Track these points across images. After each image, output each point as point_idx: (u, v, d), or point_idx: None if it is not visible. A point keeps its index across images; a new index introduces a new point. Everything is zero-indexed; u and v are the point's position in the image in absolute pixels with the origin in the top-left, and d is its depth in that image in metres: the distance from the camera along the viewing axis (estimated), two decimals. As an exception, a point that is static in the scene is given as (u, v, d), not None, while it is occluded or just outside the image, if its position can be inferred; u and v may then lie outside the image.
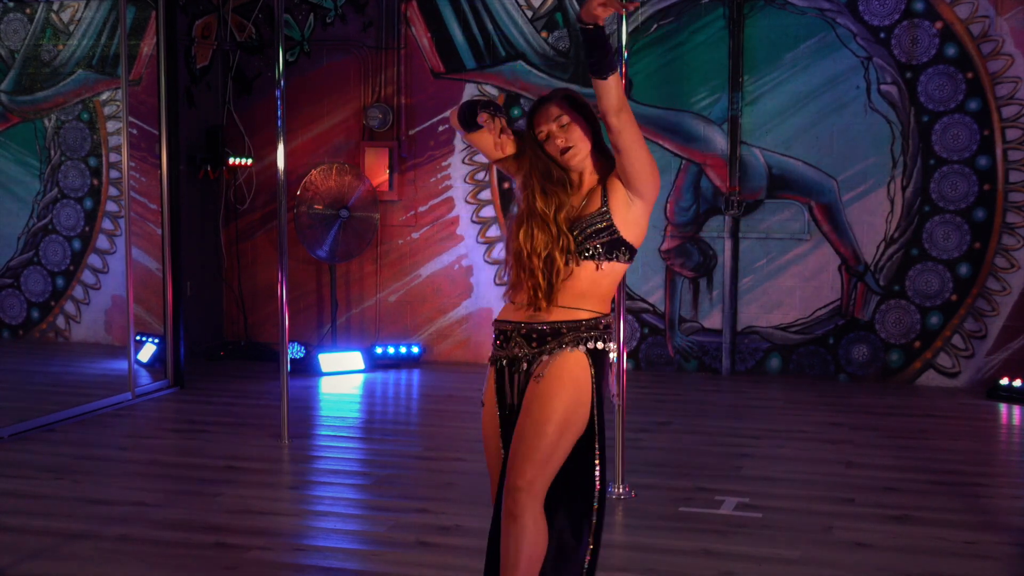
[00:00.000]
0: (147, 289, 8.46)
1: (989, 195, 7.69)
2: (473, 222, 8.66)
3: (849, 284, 7.99)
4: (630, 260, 3.22)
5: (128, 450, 6.22)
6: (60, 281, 9.29)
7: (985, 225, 7.72)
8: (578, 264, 3.15)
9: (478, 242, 8.66)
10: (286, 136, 6.40)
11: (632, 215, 3.17)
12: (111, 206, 9.12)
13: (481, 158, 8.48)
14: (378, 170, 8.66)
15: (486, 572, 3.29)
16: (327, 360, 8.31)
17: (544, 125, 3.20)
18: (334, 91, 8.87)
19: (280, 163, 6.22)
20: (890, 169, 7.86)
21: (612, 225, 3.15)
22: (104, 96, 9.09)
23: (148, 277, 8.53)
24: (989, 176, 7.69)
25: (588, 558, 3.22)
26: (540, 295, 3.15)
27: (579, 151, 3.19)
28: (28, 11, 9.16)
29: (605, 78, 3.02)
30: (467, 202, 8.66)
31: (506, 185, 8.51)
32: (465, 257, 8.70)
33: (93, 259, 9.19)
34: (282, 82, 6.20)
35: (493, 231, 8.62)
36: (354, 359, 8.40)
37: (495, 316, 3.33)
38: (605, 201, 3.17)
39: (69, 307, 9.28)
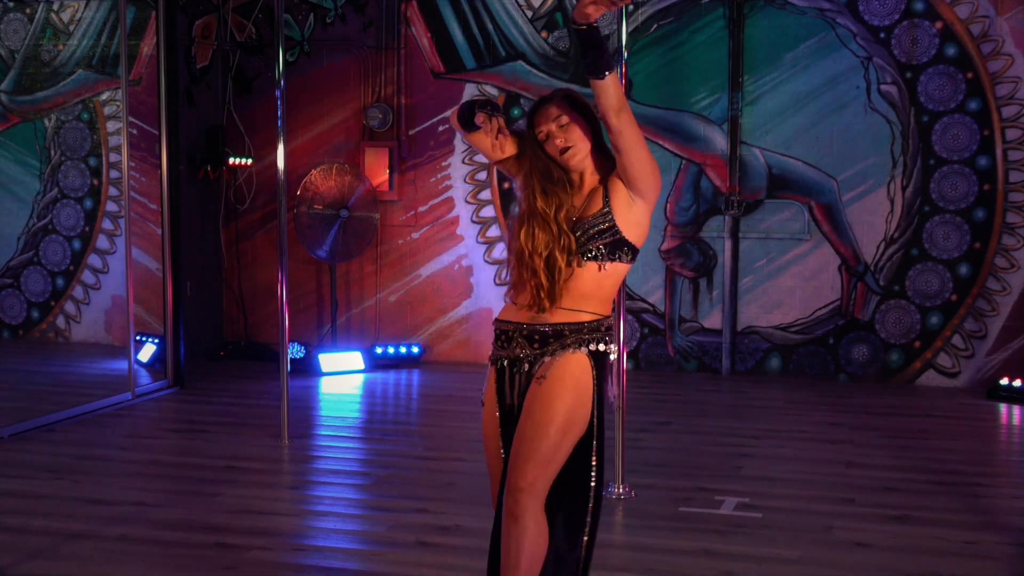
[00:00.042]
0: (147, 289, 8.46)
1: (989, 195, 7.69)
2: (473, 222, 8.66)
3: (849, 284, 7.99)
4: (632, 260, 3.22)
5: (128, 450, 6.22)
6: (60, 281, 9.29)
7: (985, 225, 7.72)
8: (580, 265, 3.16)
9: (478, 242, 8.66)
10: (286, 136, 6.40)
11: (634, 215, 3.17)
12: (111, 206, 9.12)
13: (481, 158, 8.48)
14: (378, 170, 8.66)
15: (489, 572, 3.29)
16: (327, 360, 8.31)
17: (544, 125, 3.21)
18: (334, 91, 8.87)
19: (280, 163, 6.22)
20: (890, 169, 7.86)
21: (614, 226, 3.15)
22: (104, 96, 9.09)
23: (148, 277, 8.53)
24: (989, 176, 7.69)
25: (583, 554, 3.23)
26: (543, 295, 3.15)
27: (578, 151, 3.19)
28: (28, 11, 9.16)
29: (602, 78, 3.01)
30: (467, 202, 8.67)
31: (506, 185, 8.51)
32: (465, 257, 8.70)
33: (93, 259, 9.19)
34: (282, 82, 6.20)
35: (493, 231, 8.62)
36: (354, 359, 8.40)
37: (495, 316, 3.33)
38: (607, 202, 3.17)
39: (69, 307, 9.28)
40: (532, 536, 3.10)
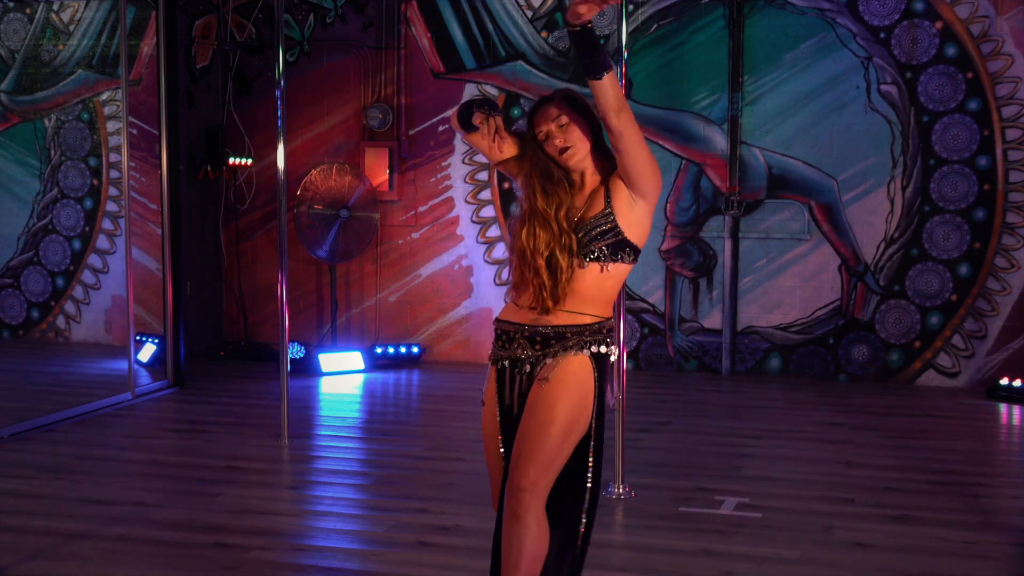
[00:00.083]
0: (147, 289, 8.46)
1: (989, 195, 7.69)
2: (473, 222, 8.66)
3: (849, 284, 7.99)
4: (634, 261, 3.22)
5: (128, 450, 6.22)
6: (60, 281, 9.29)
7: (985, 225, 7.72)
8: (583, 266, 3.16)
9: (478, 242, 8.66)
10: (286, 136, 6.40)
11: (635, 215, 3.17)
12: (111, 206, 9.12)
13: (481, 158, 8.48)
14: (378, 170, 8.66)
15: (492, 572, 3.30)
16: (327, 360, 8.31)
17: (543, 125, 3.21)
18: (334, 91, 8.87)
19: (280, 163, 6.22)
20: (890, 169, 7.86)
21: (616, 226, 3.16)
22: (104, 96, 9.09)
23: (148, 277, 8.53)
24: (989, 176, 7.69)
25: (579, 553, 3.24)
26: (545, 295, 3.15)
27: (577, 151, 3.19)
28: (28, 11, 9.16)
29: (599, 78, 3.01)
30: (467, 202, 8.67)
31: (506, 185, 8.51)
32: (465, 257, 8.70)
33: (93, 259, 9.19)
34: (282, 82, 6.20)
35: (493, 231, 8.63)
36: (354, 359, 8.40)
37: (496, 316, 3.33)
38: (608, 202, 3.17)
39: (69, 307, 9.28)
40: (534, 536, 3.11)
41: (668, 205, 8.22)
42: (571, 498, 3.21)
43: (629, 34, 5.71)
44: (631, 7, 8.11)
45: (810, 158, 7.99)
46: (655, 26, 8.21)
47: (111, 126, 9.06)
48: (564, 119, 3.18)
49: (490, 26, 8.54)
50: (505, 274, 8.58)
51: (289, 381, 6.32)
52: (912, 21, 7.73)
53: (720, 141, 8.11)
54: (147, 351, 8.14)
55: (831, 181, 7.97)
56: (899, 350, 7.93)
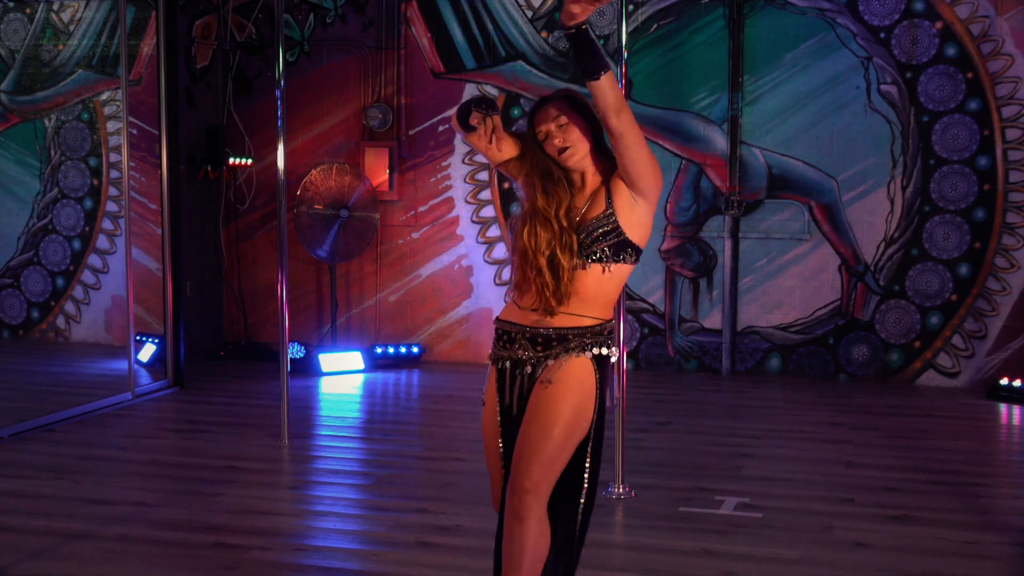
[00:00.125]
0: (147, 289, 8.46)
1: (989, 195, 7.69)
2: (473, 222, 8.66)
3: (849, 284, 7.99)
4: (636, 261, 3.23)
5: (128, 450, 6.22)
6: (60, 281, 9.29)
7: (985, 225, 7.72)
8: (585, 268, 3.16)
9: (478, 242, 8.66)
10: (286, 136, 6.40)
11: (637, 215, 3.18)
12: (111, 206, 9.12)
13: (481, 158, 8.48)
14: (378, 170, 8.66)
15: (495, 572, 3.30)
16: (327, 360, 8.31)
17: (543, 125, 3.21)
18: (334, 91, 8.87)
19: (280, 163, 6.22)
20: (890, 169, 7.86)
21: (618, 227, 3.16)
22: (104, 96, 9.09)
23: (148, 277, 8.53)
24: (989, 176, 7.69)
25: (573, 552, 3.24)
26: (548, 294, 3.15)
27: (576, 151, 3.19)
28: (28, 11, 9.16)
29: (597, 79, 3.01)
30: (467, 202, 8.67)
31: (506, 185, 8.51)
32: (465, 257, 8.70)
33: (93, 259, 9.19)
34: (282, 82, 6.20)
35: (493, 231, 8.63)
36: (354, 359, 8.40)
37: (496, 315, 3.33)
38: (610, 203, 3.17)
39: (69, 307, 9.28)
40: (535, 536, 3.12)
41: (668, 205, 8.22)
42: (570, 499, 3.22)
43: (629, 34, 5.71)
44: (631, 7, 8.12)
45: (810, 158, 7.99)
46: (655, 26, 8.21)
47: (111, 126, 9.06)
48: (563, 119, 3.18)
49: (490, 26, 8.54)
50: (505, 274, 8.58)
51: (289, 381, 6.32)
52: (912, 21, 7.73)
53: (720, 141, 8.11)
54: (147, 351, 8.14)
55: (831, 181, 7.97)
56: (899, 350, 7.93)
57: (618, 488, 5.21)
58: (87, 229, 9.19)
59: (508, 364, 3.24)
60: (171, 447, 6.34)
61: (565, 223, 3.17)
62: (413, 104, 8.72)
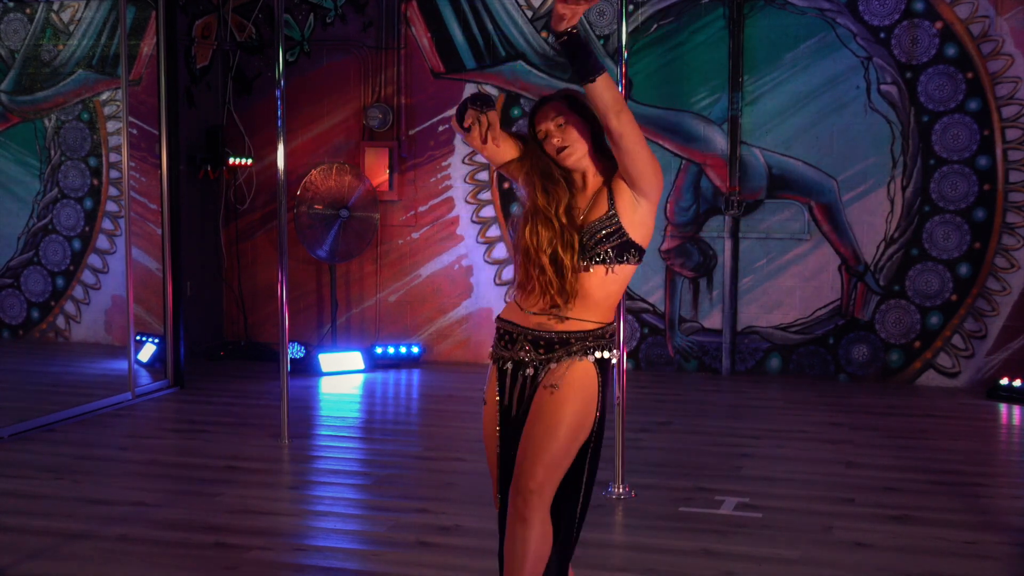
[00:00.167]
0: (147, 289, 8.46)
1: (989, 195, 7.69)
2: (473, 222, 8.66)
3: (849, 284, 7.99)
4: (639, 261, 3.23)
5: (128, 450, 6.22)
6: (60, 281, 9.29)
7: (985, 225, 7.72)
8: (588, 269, 3.16)
9: (478, 242, 8.66)
10: (286, 136, 6.40)
11: (639, 216, 3.18)
12: (111, 206, 9.12)
13: (480, 158, 8.48)
14: (378, 170, 8.66)
15: (500, 572, 3.30)
16: (327, 360, 8.31)
17: (542, 125, 3.21)
18: (334, 91, 8.87)
19: (280, 163, 6.22)
20: (890, 169, 7.86)
21: (621, 228, 3.16)
22: (104, 96, 9.09)
23: (148, 277, 8.53)
24: (989, 176, 7.69)
25: (570, 548, 3.25)
26: (554, 291, 3.15)
27: (575, 151, 3.19)
28: (28, 11, 9.16)
29: (593, 81, 3.00)
30: (467, 202, 8.67)
31: (506, 185, 8.51)
32: (465, 257, 8.70)
33: (93, 259, 9.19)
34: (282, 82, 6.20)
35: (493, 231, 8.63)
36: (354, 359, 8.40)
37: (497, 314, 3.33)
38: (612, 204, 3.17)
39: (69, 307, 9.28)
40: (539, 537, 3.13)
41: (668, 205, 8.22)
42: (571, 500, 3.22)
43: (629, 34, 5.71)
44: (631, 7, 8.12)
45: (810, 158, 7.99)
46: (655, 26, 8.21)
47: (111, 126, 9.06)
48: (562, 119, 3.18)
49: (490, 26, 8.54)
50: (505, 274, 8.58)
51: (289, 381, 6.32)
52: (912, 21, 7.73)
53: (720, 141, 8.11)
54: (147, 351, 8.14)
55: (831, 181, 7.97)
56: (899, 350, 7.93)
57: (618, 488, 5.21)
58: (87, 229, 9.19)
59: (510, 365, 3.24)
60: (171, 447, 6.34)
61: (565, 221, 3.17)
62: (413, 104, 8.72)
